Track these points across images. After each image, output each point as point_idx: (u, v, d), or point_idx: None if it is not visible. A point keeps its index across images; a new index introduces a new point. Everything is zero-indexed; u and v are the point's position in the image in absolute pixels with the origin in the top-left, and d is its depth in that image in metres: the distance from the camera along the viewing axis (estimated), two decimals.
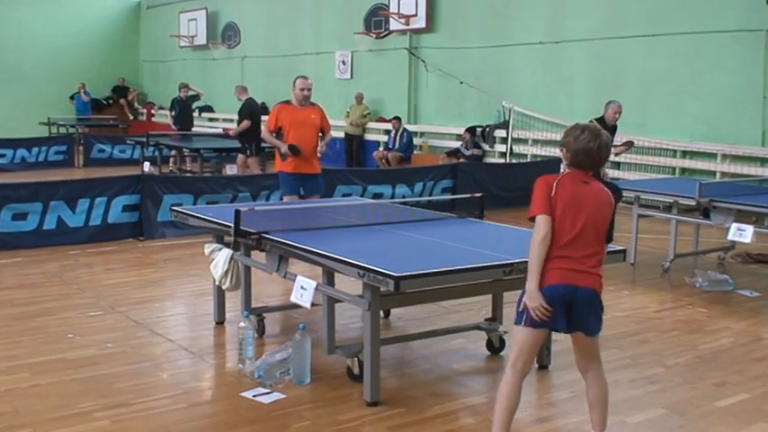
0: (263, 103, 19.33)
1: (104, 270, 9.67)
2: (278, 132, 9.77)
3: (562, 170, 4.58)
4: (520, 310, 4.48)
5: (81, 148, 21.35)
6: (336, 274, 5.54)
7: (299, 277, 5.79)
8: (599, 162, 4.52)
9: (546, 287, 4.40)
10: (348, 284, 5.90)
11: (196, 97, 20.23)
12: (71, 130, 23.99)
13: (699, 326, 7.49)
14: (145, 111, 30.42)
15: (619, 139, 11.72)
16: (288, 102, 9.92)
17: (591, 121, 11.58)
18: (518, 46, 17.70)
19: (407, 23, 20.08)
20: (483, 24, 18.57)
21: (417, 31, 20.23)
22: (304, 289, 5.68)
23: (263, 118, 12.34)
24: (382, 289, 5.05)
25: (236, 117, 25.80)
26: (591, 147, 4.45)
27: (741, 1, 13.90)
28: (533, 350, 4.57)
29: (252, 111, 15.46)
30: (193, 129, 20.26)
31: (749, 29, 13.72)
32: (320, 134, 9.92)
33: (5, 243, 10.32)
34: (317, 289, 5.63)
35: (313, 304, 5.72)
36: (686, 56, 14.76)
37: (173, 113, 19.47)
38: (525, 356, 4.52)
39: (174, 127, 19.19)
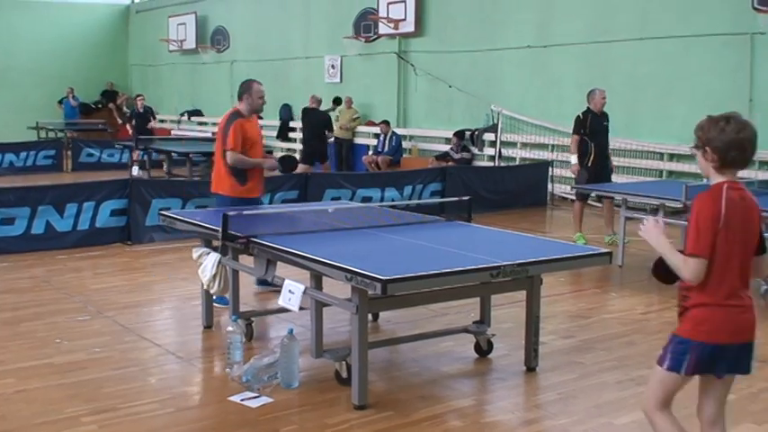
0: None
1: (92, 275, 9.63)
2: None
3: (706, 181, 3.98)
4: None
5: (69, 152, 21.30)
6: (325, 277, 5.55)
7: (286, 281, 5.79)
8: (751, 156, 3.80)
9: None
10: (336, 287, 5.90)
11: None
12: (59, 135, 23.96)
13: None
14: None
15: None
16: (239, 113, 8.19)
17: (578, 116, 11.57)
18: (506, 50, 17.72)
19: (396, 27, 20.10)
20: (471, 28, 18.59)
21: (406, 36, 20.25)
22: (292, 293, 5.68)
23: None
24: (370, 292, 5.05)
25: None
26: (743, 138, 3.75)
27: (728, 5, 13.96)
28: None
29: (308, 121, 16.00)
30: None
31: (736, 32, 13.77)
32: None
33: None
34: (304, 293, 5.64)
35: (301, 308, 5.74)
36: (674, 59, 14.81)
37: (132, 123, 20.37)
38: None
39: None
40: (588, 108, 11.57)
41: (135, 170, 17.05)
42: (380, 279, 4.78)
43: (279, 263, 6.02)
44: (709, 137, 3.78)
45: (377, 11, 20.50)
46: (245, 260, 6.60)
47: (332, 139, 17.75)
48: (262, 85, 8.29)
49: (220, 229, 6.18)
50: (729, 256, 3.75)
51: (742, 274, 3.81)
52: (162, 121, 29.07)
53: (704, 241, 3.71)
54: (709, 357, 3.79)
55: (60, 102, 28.72)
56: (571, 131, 11.78)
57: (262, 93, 8.16)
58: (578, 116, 11.60)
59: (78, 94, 28.83)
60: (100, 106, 30.99)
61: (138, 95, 22.33)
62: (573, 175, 11.80)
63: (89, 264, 10.16)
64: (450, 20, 19.18)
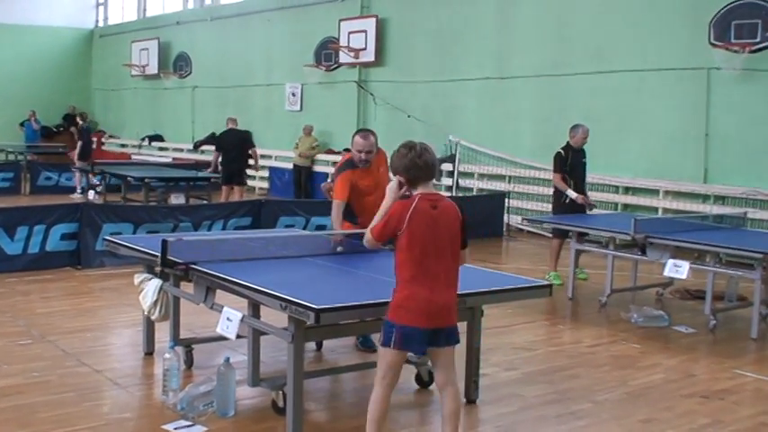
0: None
1: (40, 298, 9.52)
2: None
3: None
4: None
5: (28, 175, 21.14)
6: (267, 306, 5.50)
7: (225, 308, 5.75)
8: (431, 169, 4.74)
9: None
10: (279, 316, 5.85)
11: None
12: (19, 158, 23.79)
13: (631, 361, 7.51)
14: (95, 139, 30.18)
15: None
16: (352, 163, 7.48)
17: (560, 153, 10.98)
18: (465, 81, 17.85)
19: (357, 57, 20.20)
20: (431, 59, 18.72)
21: (366, 65, 20.38)
22: (230, 320, 5.64)
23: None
24: (307, 321, 5.02)
25: (186, 147, 26.03)
26: (414, 156, 4.70)
27: (684, 40, 14.14)
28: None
29: (218, 141, 15.87)
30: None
31: (691, 67, 13.94)
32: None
33: None
34: (242, 320, 5.60)
35: (239, 336, 5.69)
36: (630, 93, 14.96)
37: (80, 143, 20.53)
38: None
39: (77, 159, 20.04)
40: (568, 143, 11.11)
41: (91, 194, 16.92)
42: (314, 308, 4.76)
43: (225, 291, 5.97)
44: (395, 166, 4.78)
45: (338, 40, 20.62)
46: (188, 287, 6.54)
47: (252, 161, 16.85)
48: (367, 138, 7.34)
49: (159, 255, 6.13)
50: (425, 254, 4.64)
51: (437, 269, 4.68)
52: (123, 145, 28.99)
53: (384, 231, 4.71)
54: (408, 337, 4.60)
55: (22, 124, 28.55)
56: (552, 169, 11.21)
57: (359, 146, 7.28)
58: (559, 153, 11.07)
59: (40, 117, 28.70)
60: (61, 129, 30.81)
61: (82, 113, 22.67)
62: (590, 205, 11.23)
63: (37, 287, 10.04)
64: (409, 50, 19.30)
